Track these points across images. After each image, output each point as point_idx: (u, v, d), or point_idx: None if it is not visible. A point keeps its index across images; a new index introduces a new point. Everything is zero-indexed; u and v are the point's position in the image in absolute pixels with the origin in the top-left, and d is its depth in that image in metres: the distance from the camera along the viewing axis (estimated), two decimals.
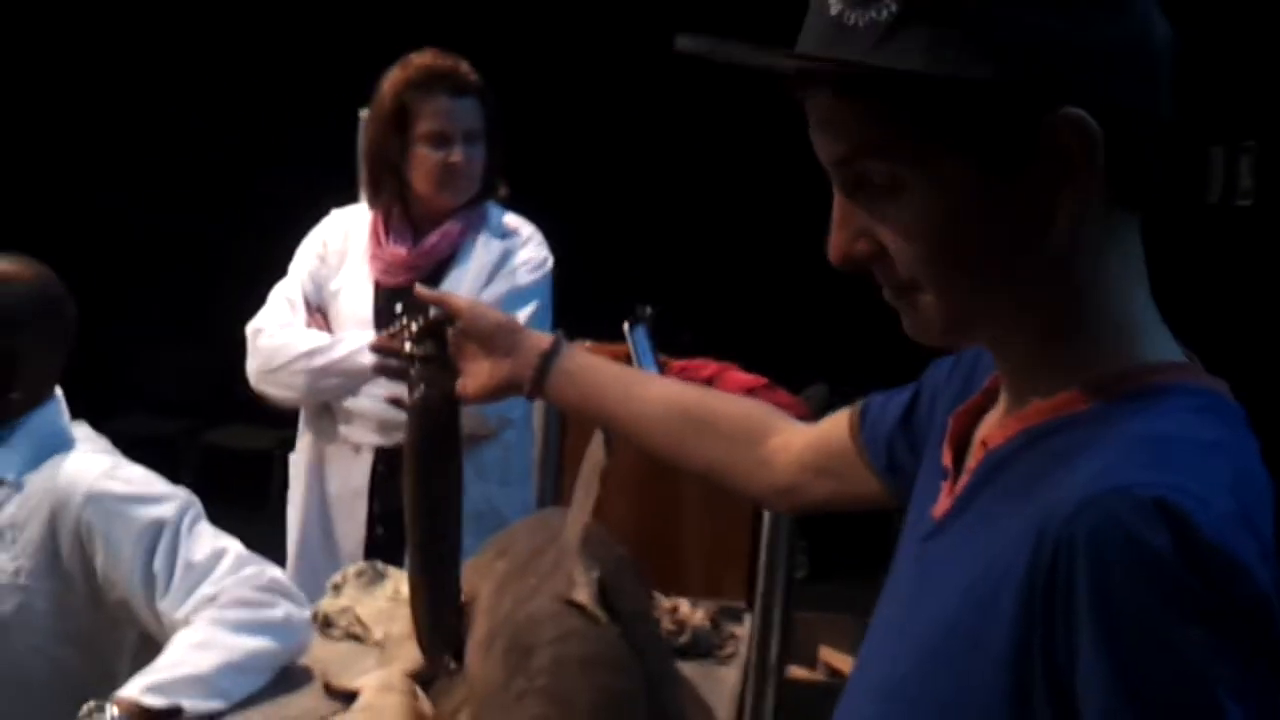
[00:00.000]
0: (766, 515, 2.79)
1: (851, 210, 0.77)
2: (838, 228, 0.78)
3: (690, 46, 0.76)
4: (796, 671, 3.10)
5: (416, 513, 1.28)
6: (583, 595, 1.42)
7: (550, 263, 2.36)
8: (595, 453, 1.49)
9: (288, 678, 1.66)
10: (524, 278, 2.31)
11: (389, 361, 1.30)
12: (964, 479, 0.80)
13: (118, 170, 6.14)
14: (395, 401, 1.30)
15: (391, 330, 1.30)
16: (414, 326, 1.27)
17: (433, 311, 1.28)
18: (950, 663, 0.73)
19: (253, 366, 2.30)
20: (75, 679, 1.69)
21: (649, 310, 2.60)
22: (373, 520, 2.32)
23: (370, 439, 2.30)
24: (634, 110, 5.26)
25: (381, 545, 2.29)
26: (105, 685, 1.69)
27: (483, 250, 2.32)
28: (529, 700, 1.26)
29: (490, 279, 2.29)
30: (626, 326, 2.36)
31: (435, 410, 1.26)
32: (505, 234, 2.35)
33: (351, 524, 2.33)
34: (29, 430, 1.72)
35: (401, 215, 2.32)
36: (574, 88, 5.22)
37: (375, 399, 2.21)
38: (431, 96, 2.24)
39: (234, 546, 1.69)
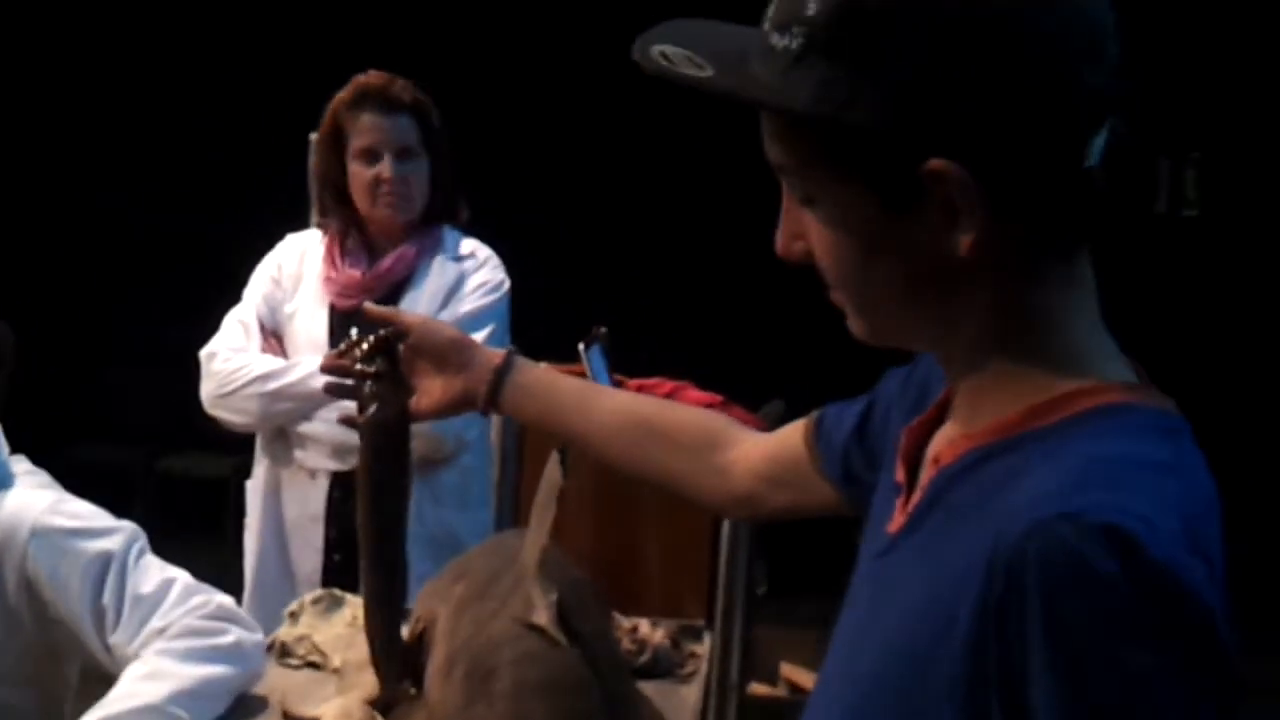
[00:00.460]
0: (725, 531, 2.79)
1: (790, 212, 0.80)
2: (780, 225, 0.81)
3: (638, 54, 0.78)
4: (758, 688, 3.10)
5: (369, 531, 1.28)
6: (541, 617, 1.41)
7: (506, 285, 2.36)
8: (551, 473, 1.49)
9: (246, 707, 1.64)
10: (479, 300, 2.30)
11: (340, 380, 1.29)
12: (916, 496, 0.81)
13: (74, 182, 6.09)
14: (348, 420, 1.29)
15: (342, 348, 1.29)
16: (364, 344, 1.26)
17: (383, 329, 1.27)
18: (902, 686, 0.73)
19: (206, 391, 2.29)
20: (21, 718, 1.67)
21: (603, 330, 2.60)
22: (329, 546, 2.30)
23: (326, 464, 2.28)
24: (585, 132, 5.27)
25: (338, 571, 2.27)
26: None
27: (438, 273, 2.32)
28: None
29: (446, 302, 2.29)
30: (581, 347, 2.37)
31: (388, 428, 1.25)
32: (461, 257, 2.35)
33: (308, 550, 2.31)
34: None
35: (357, 238, 2.33)
36: (524, 110, 5.23)
37: (330, 423, 2.19)
38: (363, 114, 2.26)
39: (182, 577, 1.67)
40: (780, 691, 3.25)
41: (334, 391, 1.32)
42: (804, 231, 0.79)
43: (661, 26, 0.79)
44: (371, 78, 2.30)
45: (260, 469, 2.38)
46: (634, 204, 5.34)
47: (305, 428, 2.27)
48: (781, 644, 3.36)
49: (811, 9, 0.73)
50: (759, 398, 2.82)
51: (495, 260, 2.38)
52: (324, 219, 2.36)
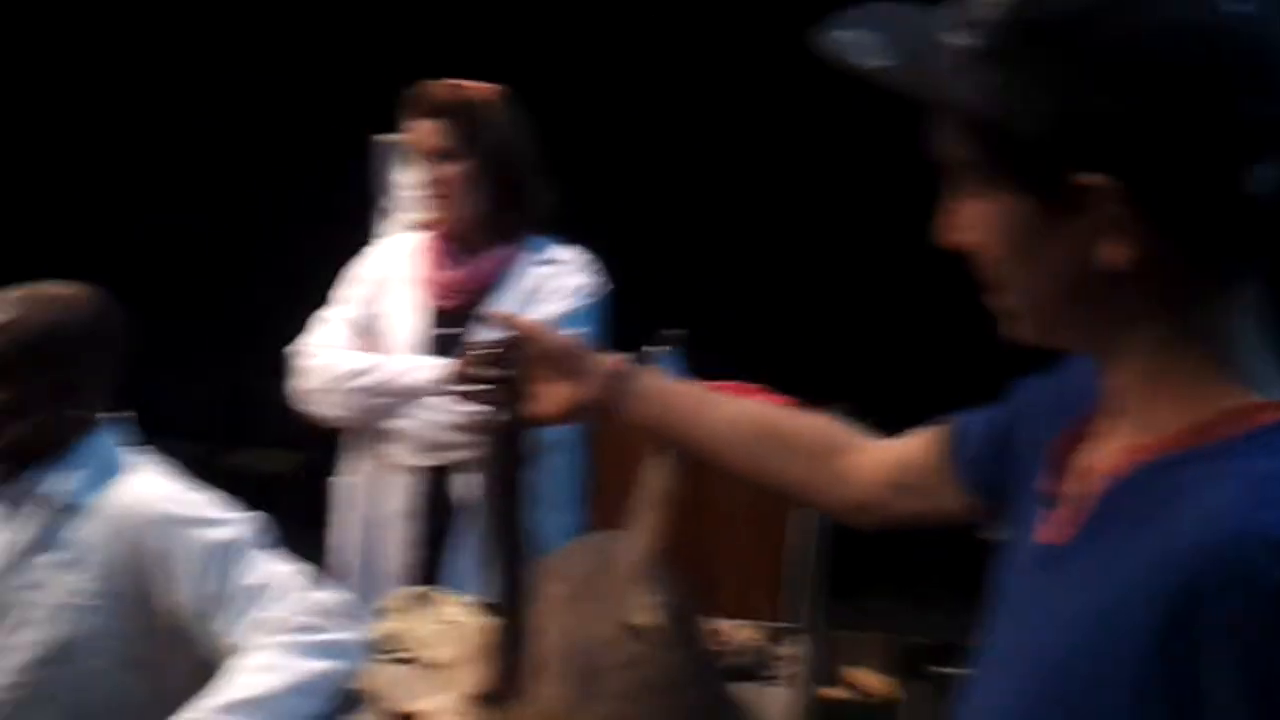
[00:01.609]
0: (797, 537, 2.81)
1: (953, 206, 0.83)
2: (944, 216, 0.84)
3: (820, 40, 0.80)
4: (825, 692, 3.11)
5: (493, 534, 1.29)
6: (648, 619, 1.44)
7: (599, 289, 2.38)
8: (660, 476, 1.52)
9: (346, 701, 1.67)
10: (568, 303, 2.32)
11: (460, 386, 1.31)
12: (1077, 508, 0.81)
13: (139, 189, 6.19)
14: (466, 426, 1.31)
15: (463, 354, 1.31)
16: (485, 350, 1.28)
17: (502, 335, 1.29)
18: (1068, 701, 0.74)
19: (299, 386, 2.34)
20: (134, 703, 1.71)
21: (676, 334, 2.62)
22: (416, 542, 2.34)
23: (413, 460, 2.32)
24: (658, 135, 5.29)
25: (424, 567, 2.31)
26: (162, 711, 1.70)
27: (527, 276, 2.35)
28: None
29: (533, 303, 2.31)
30: (653, 351, 2.39)
31: (507, 433, 1.27)
32: (551, 261, 2.38)
33: (392, 546, 2.35)
34: (89, 453, 1.74)
35: (451, 240, 2.37)
36: (594, 111, 5.25)
37: (418, 420, 2.25)
38: (409, 120, 2.35)
39: (290, 570, 1.71)
40: (845, 694, 3.26)
41: (454, 396, 1.33)
42: (967, 225, 0.82)
43: (853, 11, 0.81)
44: (418, 85, 2.37)
45: (349, 465, 2.42)
46: (705, 208, 5.35)
47: (393, 424, 2.30)
48: (844, 646, 3.37)
49: (993, 14, 0.76)
50: (831, 402, 2.84)
51: (586, 264, 2.40)
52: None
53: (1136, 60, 0.72)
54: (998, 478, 1.00)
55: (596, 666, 1.37)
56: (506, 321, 1.31)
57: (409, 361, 2.28)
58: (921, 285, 4.75)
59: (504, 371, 1.27)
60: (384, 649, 1.85)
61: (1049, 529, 0.83)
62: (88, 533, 1.68)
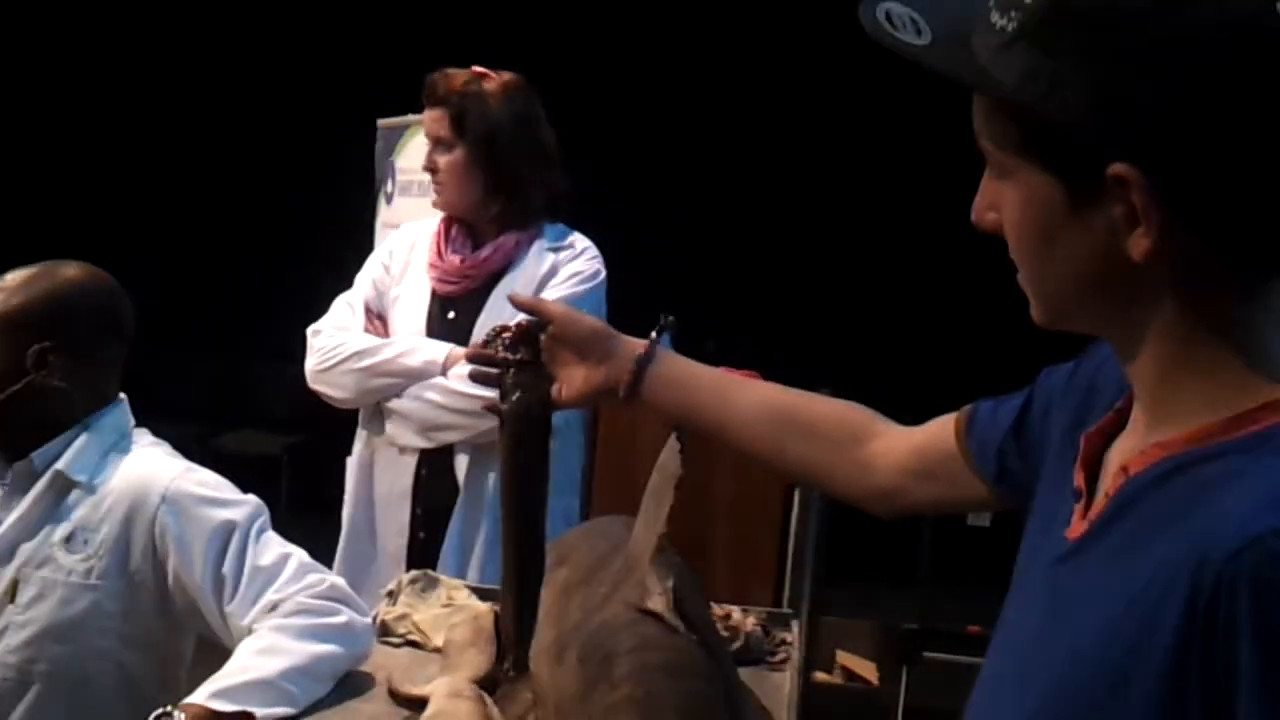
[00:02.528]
0: (795, 523, 2.83)
1: (988, 184, 0.84)
2: (978, 194, 0.85)
3: (863, 11, 0.81)
4: (818, 676, 3.14)
5: (510, 517, 1.30)
6: (658, 604, 1.44)
7: (601, 275, 2.40)
8: (669, 461, 1.51)
9: (353, 684, 1.67)
10: (571, 289, 2.34)
11: (484, 369, 1.31)
12: (1101, 503, 0.82)
13: (135, 180, 6.17)
14: (491, 408, 1.31)
15: (486, 337, 1.31)
16: (508, 333, 1.28)
17: (526, 318, 1.30)
18: (1093, 692, 0.74)
19: (309, 366, 2.38)
20: (139, 684, 1.71)
21: (671, 319, 2.63)
22: (414, 524, 2.35)
23: (414, 441, 2.34)
24: (657, 120, 5.30)
25: (422, 549, 2.33)
26: (166, 692, 1.70)
27: (534, 262, 2.38)
28: (617, 709, 1.28)
29: (540, 289, 2.33)
30: (652, 336, 2.40)
31: (530, 416, 1.27)
32: (558, 248, 2.41)
33: (394, 526, 2.37)
34: (96, 431, 1.74)
35: (462, 229, 2.41)
36: (597, 100, 5.26)
37: (420, 401, 2.28)
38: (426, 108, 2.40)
39: (299, 554, 1.71)
40: (838, 679, 3.28)
41: (478, 379, 1.34)
42: (998, 204, 0.83)
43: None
44: (434, 74, 2.41)
45: (358, 445, 2.45)
46: (701, 192, 5.36)
47: (396, 404, 2.32)
48: (837, 632, 3.40)
49: None
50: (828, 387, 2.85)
51: (592, 251, 2.42)
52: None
53: (1185, 54, 0.72)
54: (1021, 467, 1.00)
55: (607, 652, 1.37)
56: (531, 305, 1.31)
57: (412, 344, 2.30)
58: (948, 271, 4.79)
59: (527, 354, 1.27)
60: (390, 632, 1.85)
61: (1076, 521, 0.84)
62: (97, 510, 1.68)
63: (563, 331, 1.27)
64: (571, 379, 1.27)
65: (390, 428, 2.36)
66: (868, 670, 3.30)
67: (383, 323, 2.41)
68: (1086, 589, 0.79)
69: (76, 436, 1.73)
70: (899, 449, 1.16)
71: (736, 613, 1.88)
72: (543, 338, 1.29)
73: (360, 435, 2.45)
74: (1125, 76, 0.73)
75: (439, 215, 2.47)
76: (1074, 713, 0.76)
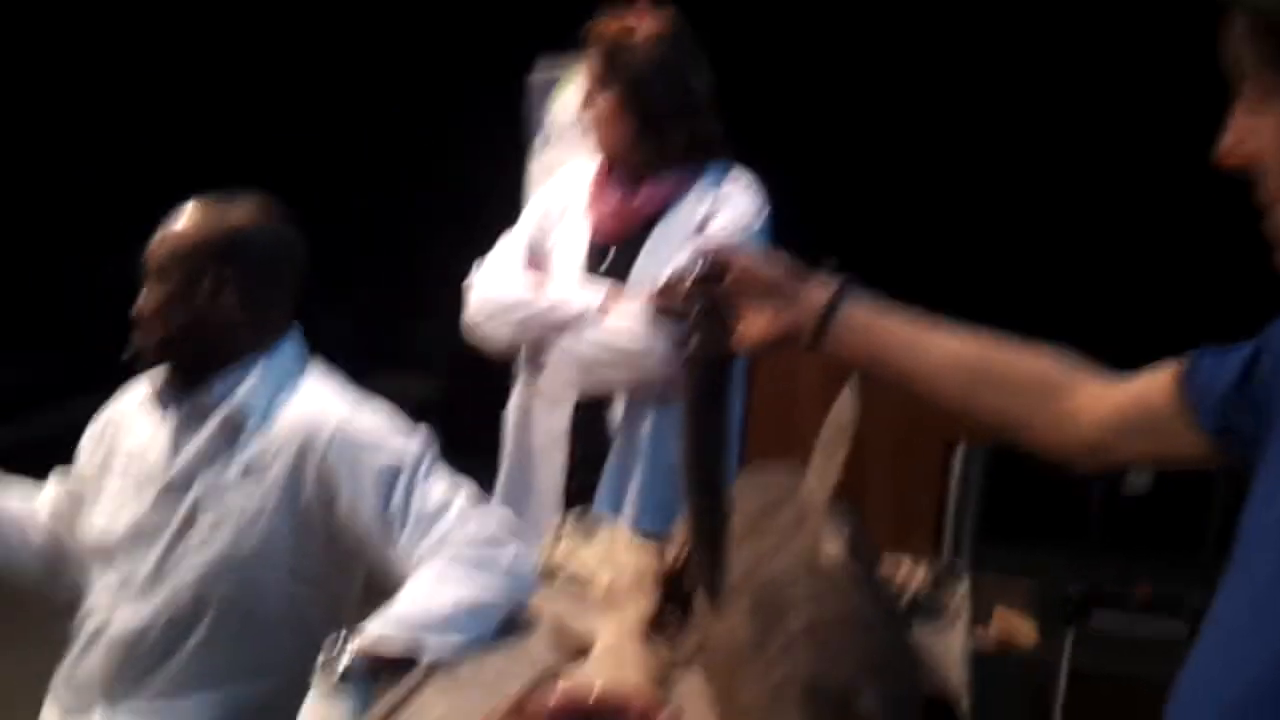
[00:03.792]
0: (956, 477, 2.76)
1: (1239, 118, 0.79)
2: (1228, 130, 0.80)
3: None
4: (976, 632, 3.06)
5: (691, 464, 1.27)
6: (833, 555, 1.41)
7: (765, 212, 2.35)
8: (844, 410, 1.48)
9: (519, 623, 1.68)
10: (735, 227, 2.30)
11: (666, 313, 1.28)
12: None
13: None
14: (672, 356, 1.28)
15: (668, 282, 1.28)
16: (688, 277, 1.25)
17: (710, 262, 1.26)
18: None
19: (469, 313, 2.39)
20: (307, 618, 1.75)
21: (831, 262, 2.57)
22: (571, 468, 2.35)
23: (571, 387, 2.34)
24: (842, 53, 5.22)
25: (577, 494, 2.33)
26: (334, 627, 1.74)
27: (694, 203, 2.34)
28: (793, 659, 1.25)
29: (701, 228, 2.30)
30: (839, 282, 2.35)
31: (711, 362, 1.24)
32: (720, 184, 2.36)
33: (550, 472, 2.37)
34: (271, 363, 1.77)
35: (621, 171, 2.39)
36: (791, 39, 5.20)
37: (577, 348, 2.27)
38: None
39: (467, 491, 1.72)
40: (994, 639, 3.20)
41: (661, 324, 1.31)
42: (1246, 138, 0.78)
43: None
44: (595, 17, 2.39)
45: (516, 391, 2.45)
46: (867, 135, 5.26)
47: (556, 352, 2.32)
48: (993, 590, 3.31)
49: None
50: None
51: (756, 186, 2.37)
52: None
53: None
54: (1247, 421, 0.94)
55: (781, 601, 1.35)
56: (716, 249, 1.27)
57: (571, 290, 2.29)
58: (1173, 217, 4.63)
59: (707, 301, 1.24)
60: (552, 573, 1.86)
61: None
62: (270, 445, 1.71)
63: (747, 277, 1.23)
64: (753, 325, 1.23)
65: (548, 374, 2.36)
66: (1025, 630, 3.21)
67: (543, 266, 2.40)
68: None
69: (252, 368, 1.76)
70: (1105, 402, 1.10)
71: (905, 566, 1.83)
72: (728, 281, 1.25)
73: (518, 382, 2.45)
74: None
75: (597, 159, 2.45)
76: None
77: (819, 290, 1.21)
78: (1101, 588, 2.95)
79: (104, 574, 1.77)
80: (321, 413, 1.73)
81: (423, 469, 1.70)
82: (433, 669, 1.53)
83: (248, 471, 1.71)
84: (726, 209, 2.33)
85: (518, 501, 2.36)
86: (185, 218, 1.77)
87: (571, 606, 1.76)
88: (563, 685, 1.39)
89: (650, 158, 2.35)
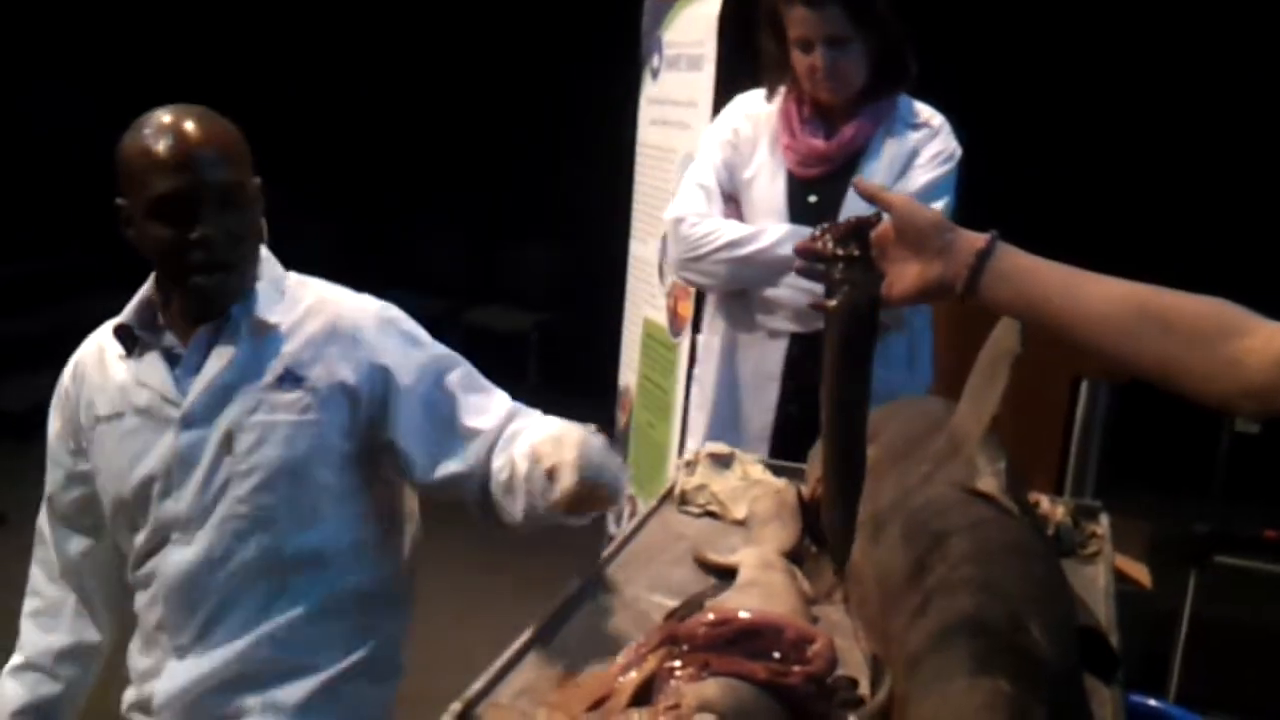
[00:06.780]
0: (1080, 416, 2.71)
1: None
2: None
3: None
4: None
5: (832, 414, 1.25)
6: (990, 485, 1.39)
7: (959, 154, 2.30)
8: (1005, 339, 1.45)
9: (657, 546, 1.69)
10: (934, 171, 2.26)
11: (812, 264, 1.26)
12: None
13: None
14: (816, 306, 1.26)
15: (817, 232, 1.26)
16: (839, 226, 1.23)
17: (863, 209, 1.24)
18: None
19: (674, 254, 2.37)
20: (364, 516, 1.71)
21: (995, 233, 2.52)
22: (784, 399, 2.36)
23: (787, 326, 2.33)
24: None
25: (793, 423, 2.34)
26: (394, 529, 1.76)
27: (894, 143, 2.29)
28: (955, 588, 1.23)
29: (903, 171, 2.26)
30: (993, 232, 2.31)
31: (858, 313, 1.21)
32: (915, 125, 2.32)
33: (760, 407, 2.38)
34: (268, 271, 1.70)
35: (812, 108, 2.33)
36: None
37: (794, 289, 2.25)
38: (793, 6, 2.25)
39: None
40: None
41: (805, 274, 1.28)
42: None
43: None
44: None
45: (716, 326, 2.45)
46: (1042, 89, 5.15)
47: (770, 292, 2.31)
48: (1116, 531, 3.26)
49: None
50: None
51: (948, 128, 2.32)
52: (773, 92, 2.39)
53: None
54: None
55: (937, 529, 1.33)
56: (872, 194, 1.25)
57: (784, 232, 2.26)
58: None
59: (856, 249, 1.21)
60: (689, 501, 1.86)
61: None
62: (304, 347, 1.66)
63: (902, 223, 1.20)
64: (904, 274, 1.20)
65: (760, 315, 2.35)
66: (1140, 573, 3.17)
67: (735, 205, 2.37)
68: None
69: (257, 280, 1.67)
70: (1276, 345, 1.06)
71: (1045, 502, 1.81)
72: (873, 232, 1.23)
73: (716, 320, 2.44)
74: None
75: (758, 92, 2.40)
76: None
77: (970, 240, 1.18)
78: (1228, 530, 2.90)
79: (142, 524, 1.68)
80: (352, 307, 1.69)
81: (464, 366, 1.71)
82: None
83: (285, 378, 1.64)
84: (928, 150, 2.29)
85: (727, 434, 2.35)
86: (190, 133, 1.56)
87: (710, 535, 1.77)
88: (712, 608, 1.39)
89: (870, 94, 2.29)
